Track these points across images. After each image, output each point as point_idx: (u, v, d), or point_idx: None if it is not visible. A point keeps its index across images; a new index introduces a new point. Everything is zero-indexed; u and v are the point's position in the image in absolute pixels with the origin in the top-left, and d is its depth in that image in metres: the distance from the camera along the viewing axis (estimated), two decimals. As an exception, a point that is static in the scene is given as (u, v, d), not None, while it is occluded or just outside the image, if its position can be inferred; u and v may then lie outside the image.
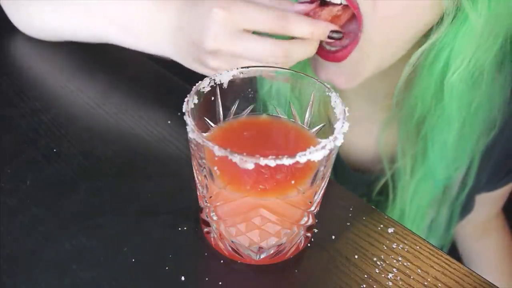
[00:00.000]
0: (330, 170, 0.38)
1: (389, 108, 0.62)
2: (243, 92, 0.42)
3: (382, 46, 0.50)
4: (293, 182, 0.36)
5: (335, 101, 0.38)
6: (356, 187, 0.69)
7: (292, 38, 0.47)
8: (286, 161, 0.33)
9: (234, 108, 0.42)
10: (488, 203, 0.72)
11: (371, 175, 0.68)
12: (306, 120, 0.42)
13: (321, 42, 0.48)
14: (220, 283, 0.39)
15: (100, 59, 0.63)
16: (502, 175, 0.67)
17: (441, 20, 0.49)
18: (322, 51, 0.49)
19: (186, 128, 0.36)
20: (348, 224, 0.44)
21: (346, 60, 0.49)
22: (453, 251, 0.78)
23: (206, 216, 0.40)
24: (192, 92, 0.38)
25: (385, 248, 0.42)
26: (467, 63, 0.51)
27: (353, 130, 0.59)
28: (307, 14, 0.47)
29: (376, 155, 0.67)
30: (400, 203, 0.65)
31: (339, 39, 0.47)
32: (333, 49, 0.49)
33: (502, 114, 0.59)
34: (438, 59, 0.52)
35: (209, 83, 0.40)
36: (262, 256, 0.40)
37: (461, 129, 0.57)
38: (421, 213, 0.65)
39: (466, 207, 0.69)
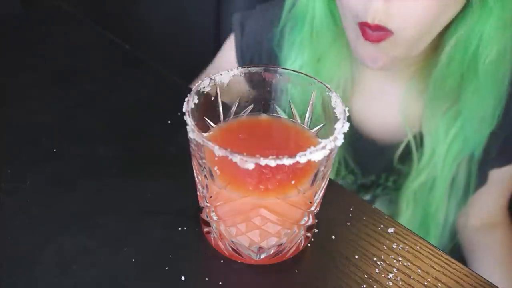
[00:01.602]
0: (330, 170, 0.38)
1: (410, 76, 0.67)
2: (243, 92, 0.42)
3: (414, 40, 0.58)
4: (293, 182, 0.36)
5: (335, 101, 0.38)
6: (376, 157, 0.71)
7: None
8: (287, 161, 0.33)
9: (234, 108, 0.42)
10: (497, 183, 0.73)
11: (392, 144, 0.71)
12: (306, 120, 0.42)
13: (365, 27, 0.57)
14: (220, 283, 0.39)
15: (100, 59, 0.63)
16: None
17: (469, 11, 0.57)
18: (365, 34, 0.58)
19: (186, 128, 0.36)
20: (348, 224, 0.44)
21: (382, 45, 0.57)
22: (456, 252, 0.78)
23: (206, 216, 0.40)
24: (192, 92, 0.38)
25: (385, 248, 0.42)
26: (497, 49, 0.58)
27: (373, 103, 0.68)
28: None
29: (398, 127, 0.70)
30: (428, 168, 0.67)
31: None
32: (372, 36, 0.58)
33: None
34: (468, 46, 0.59)
35: (209, 83, 0.40)
36: (262, 256, 0.40)
37: (495, 99, 0.63)
38: (448, 176, 0.68)
39: (480, 178, 0.70)
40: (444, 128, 0.65)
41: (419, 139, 0.68)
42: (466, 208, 0.75)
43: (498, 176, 0.72)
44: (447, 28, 0.59)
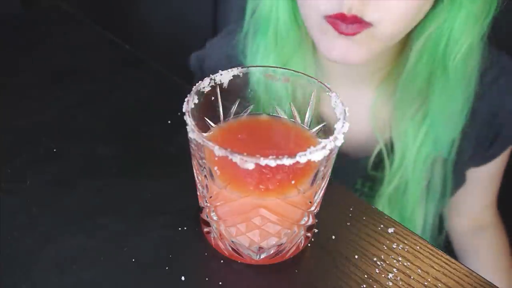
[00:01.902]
0: (330, 170, 0.38)
1: (379, 81, 0.65)
2: (243, 92, 0.42)
3: (392, 35, 0.56)
4: (293, 182, 0.36)
5: (335, 101, 0.38)
6: (349, 166, 0.69)
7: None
8: (286, 161, 0.33)
9: (234, 108, 0.42)
10: (478, 182, 0.73)
11: (364, 152, 0.69)
12: (306, 120, 0.42)
13: (337, 20, 0.53)
14: (220, 283, 0.39)
15: (100, 59, 0.63)
16: (486, 145, 0.68)
17: (438, 6, 0.56)
18: (339, 27, 0.54)
19: (186, 128, 0.36)
20: (348, 224, 0.44)
21: (358, 37, 0.54)
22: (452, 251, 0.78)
23: (206, 216, 0.40)
24: (192, 92, 0.38)
25: (385, 248, 0.42)
26: (467, 45, 0.57)
27: None
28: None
29: (368, 134, 0.68)
30: (399, 172, 0.66)
31: None
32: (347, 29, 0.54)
33: (481, 81, 0.63)
34: (437, 44, 0.58)
35: (209, 83, 0.40)
36: (262, 256, 0.40)
37: (463, 97, 0.62)
38: (421, 179, 0.67)
39: (457, 179, 0.70)
40: (413, 131, 0.64)
41: (390, 145, 0.67)
42: (451, 210, 0.75)
43: (477, 175, 0.71)
44: (415, 26, 0.58)
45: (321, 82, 0.40)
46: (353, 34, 0.53)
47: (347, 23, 0.53)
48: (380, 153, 0.67)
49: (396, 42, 0.58)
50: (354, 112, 0.68)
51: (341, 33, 0.53)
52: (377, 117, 0.67)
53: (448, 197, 0.70)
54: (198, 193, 0.40)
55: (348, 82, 0.68)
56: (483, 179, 0.73)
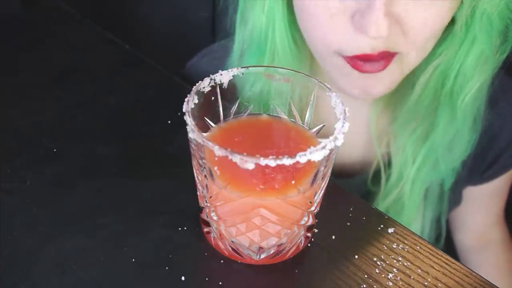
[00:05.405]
0: (330, 170, 0.38)
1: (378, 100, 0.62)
2: (243, 92, 0.42)
3: (416, 61, 0.51)
4: (293, 182, 0.36)
5: (335, 101, 0.38)
6: (349, 181, 0.68)
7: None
8: (287, 161, 0.33)
9: (234, 108, 0.42)
10: (478, 200, 0.72)
11: (364, 166, 0.68)
12: (306, 120, 0.42)
13: (359, 62, 0.48)
14: (220, 283, 0.39)
15: (100, 59, 0.63)
16: (483, 167, 0.67)
17: (450, 36, 0.51)
18: (360, 67, 0.49)
19: (186, 128, 0.36)
20: (348, 224, 0.44)
21: (385, 70, 0.49)
22: (453, 252, 0.78)
23: (206, 216, 0.40)
24: (192, 92, 0.38)
25: (385, 248, 0.42)
26: (479, 84, 0.53)
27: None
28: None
29: (367, 147, 0.67)
30: (397, 189, 0.64)
31: None
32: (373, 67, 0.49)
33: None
34: (445, 78, 0.54)
35: (209, 83, 0.40)
36: (262, 256, 0.40)
37: (470, 132, 0.59)
38: (418, 200, 0.65)
39: (453, 198, 0.69)
40: (412, 149, 0.60)
41: (388, 159, 0.64)
42: (455, 227, 0.74)
43: (477, 193, 0.70)
44: None
45: (321, 82, 0.40)
46: (383, 69, 0.47)
47: (374, 61, 0.47)
48: (377, 168, 0.64)
49: (414, 66, 0.52)
50: (353, 123, 0.66)
51: (365, 72, 0.47)
52: (376, 125, 0.64)
53: (444, 215, 0.69)
54: (198, 193, 0.40)
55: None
56: (483, 197, 0.71)
